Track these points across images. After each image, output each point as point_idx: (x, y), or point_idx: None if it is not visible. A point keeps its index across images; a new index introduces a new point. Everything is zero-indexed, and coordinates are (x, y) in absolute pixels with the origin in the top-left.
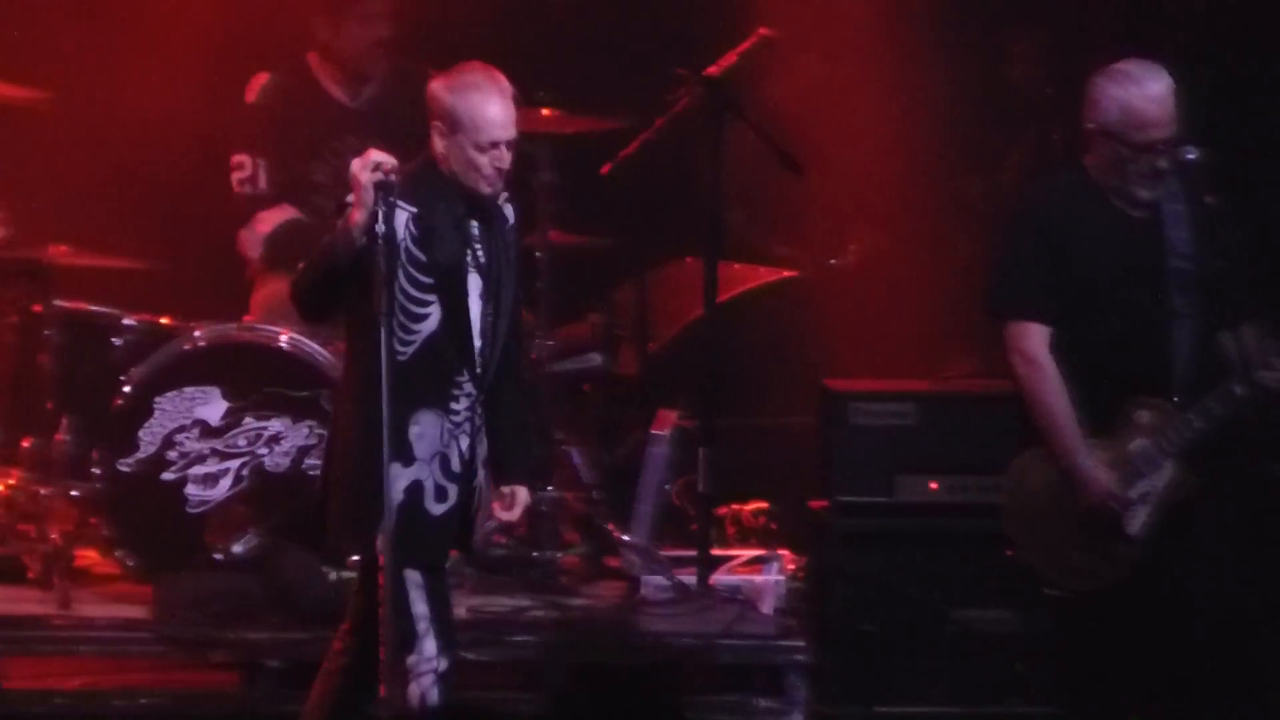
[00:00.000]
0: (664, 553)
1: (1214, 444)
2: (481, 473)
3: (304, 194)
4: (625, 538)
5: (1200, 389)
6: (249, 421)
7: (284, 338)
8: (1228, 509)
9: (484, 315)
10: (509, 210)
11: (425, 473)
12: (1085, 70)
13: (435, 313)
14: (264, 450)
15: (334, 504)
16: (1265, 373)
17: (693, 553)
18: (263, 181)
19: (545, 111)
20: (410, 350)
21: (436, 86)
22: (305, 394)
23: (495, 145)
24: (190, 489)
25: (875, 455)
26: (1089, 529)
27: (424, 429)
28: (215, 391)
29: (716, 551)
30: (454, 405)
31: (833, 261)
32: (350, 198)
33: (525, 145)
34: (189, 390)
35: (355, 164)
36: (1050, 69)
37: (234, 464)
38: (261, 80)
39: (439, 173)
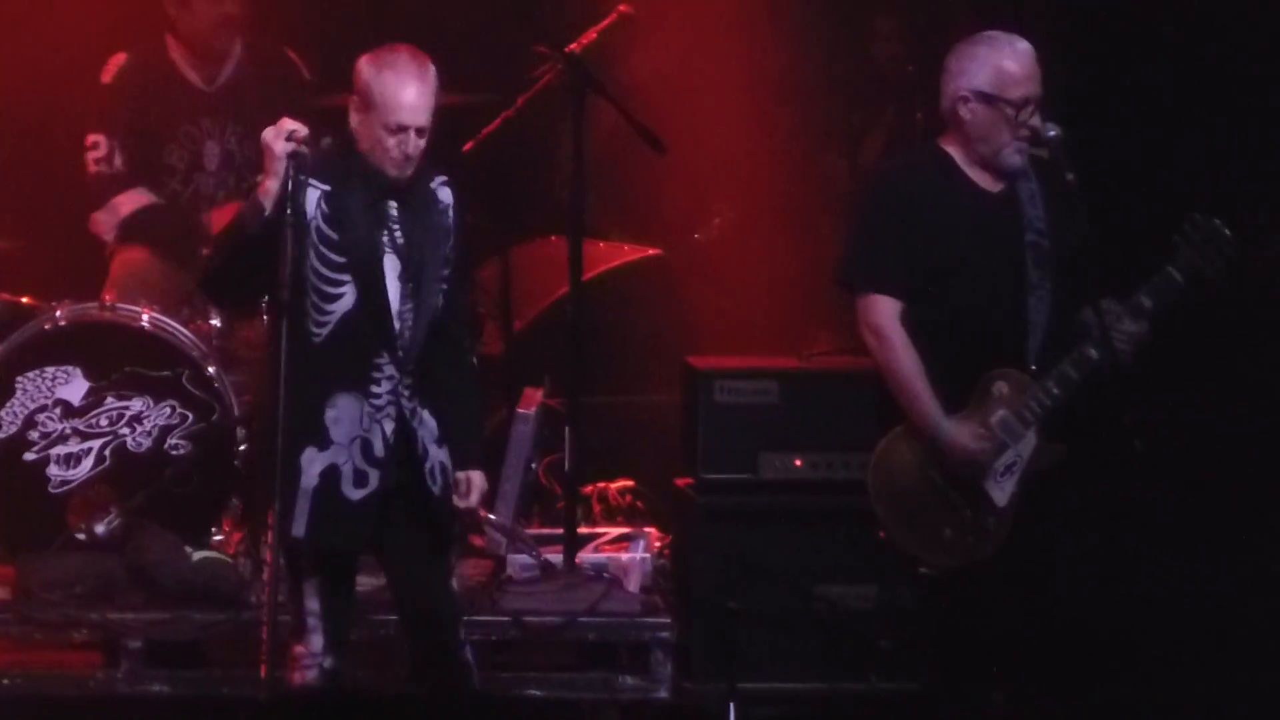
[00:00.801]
0: (530, 531)
1: (1073, 410)
2: (438, 457)
3: (157, 176)
4: (490, 516)
5: (1054, 360)
6: (110, 401)
7: (145, 317)
8: (1087, 475)
9: (403, 297)
10: (444, 193)
11: (343, 456)
12: (946, 50)
13: (349, 293)
14: (126, 430)
15: (254, 487)
16: (1116, 333)
17: (559, 531)
18: (118, 162)
19: None
20: (325, 331)
21: (360, 62)
22: (166, 374)
23: (403, 129)
24: (52, 469)
25: (739, 433)
26: (958, 502)
27: (340, 412)
28: (76, 371)
29: (583, 530)
30: (374, 389)
31: (696, 236)
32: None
33: None
34: (50, 370)
35: (268, 132)
36: (911, 48)
37: (96, 444)
38: (118, 61)
39: (354, 151)
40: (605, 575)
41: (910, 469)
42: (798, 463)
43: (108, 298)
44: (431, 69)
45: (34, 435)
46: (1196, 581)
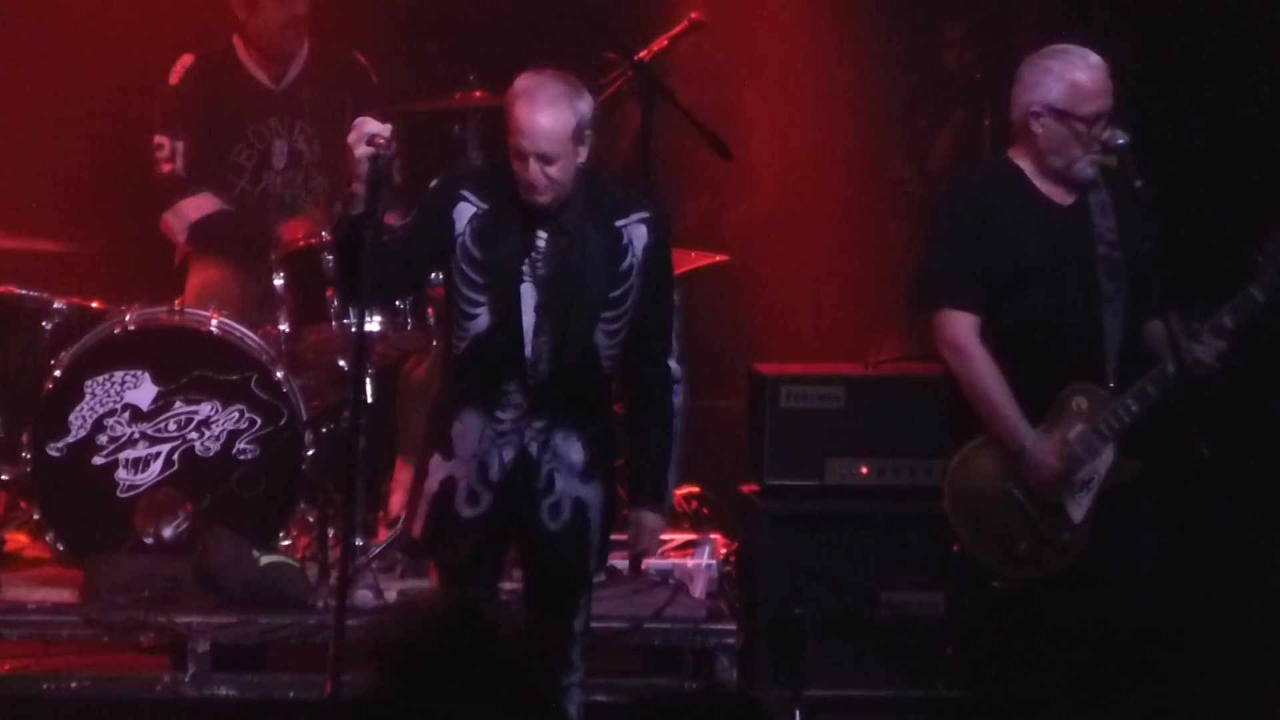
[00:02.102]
0: None
1: (1149, 427)
2: (573, 491)
3: (225, 175)
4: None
5: (1130, 373)
6: (179, 405)
7: (214, 321)
8: (1164, 493)
9: (537, 329)
10: (635, 231)
11: (462, 471)
12: (1013, 55)
13: (484, 315)
14: (194, 434)
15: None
16: (1194, 352)
17: (624, 537)
18: (186, 163)
19: (477, 94)
20: (462, 346)
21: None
22: (234, 378)
23: (523, 155)
24: (120, 473)
25: (805, 439)
26: (1036, 517)
27: (466, 428)
28: (145, 375)
29: None
30: (499, 413)
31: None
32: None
33: (455, 128)
34: (119, 374)
35: (350, 136)
36: (980, 53)
37: (164, 448)
38: (185, 62)
39: (513, 172)
40: (671, 581)
41: (989, 481)
42: (864, 469)
43: (178, 304)
44: (572, 97)
45: (103, 439)
46: (1269, 595)
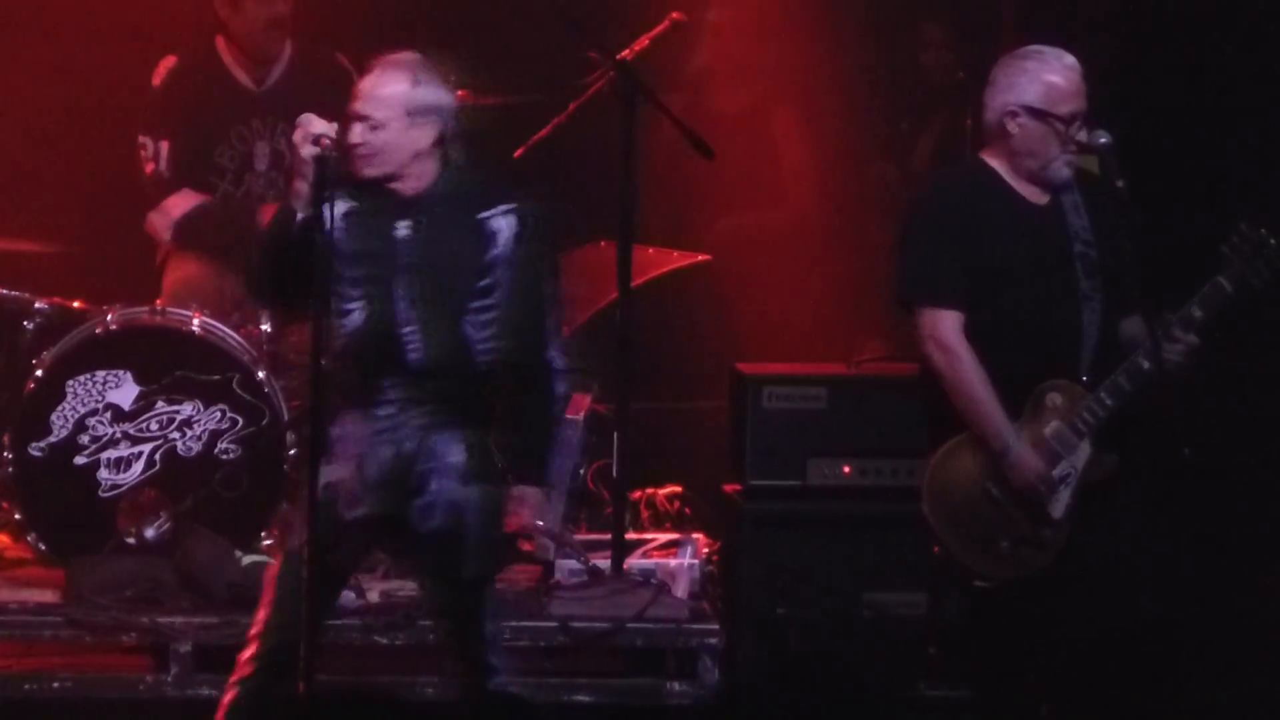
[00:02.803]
0: (578, 537)
1: (1126, 421)
2: (449, 493)
3: (208, 177)
4: (538, 522)
5: (1106, 370)
6: (161, 405)
7: (196, 321)
8: (1141, 487)
9: (408, 321)
10: (502, 222)
11: (342, 474)
12: (995, 56)
13: (359, 310)
14: (176, 434)
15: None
16: (1168, 346)
17: (607, 537)
18: (170, 163)
19: (460, 94)
20: (340, 345)
21: None
22: (217, 378)
23: (353, 119)
24: (102, 473)
25: (787, 439)
26: (1015, 515)
27: (345, 431)
28: (127, 375)
29: (631, 536)
30: (377, 411)
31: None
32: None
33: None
34: (100, 374)
35: (296, 134)
36: (960, 55)
37: (146, 448)
38: (169, 63)
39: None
40: (653, 581)
41: (968, 480)
42: (846, 469)
43: (159, 304)
44: (419, 76)
45: (84, 439)
46: (1252, 593)
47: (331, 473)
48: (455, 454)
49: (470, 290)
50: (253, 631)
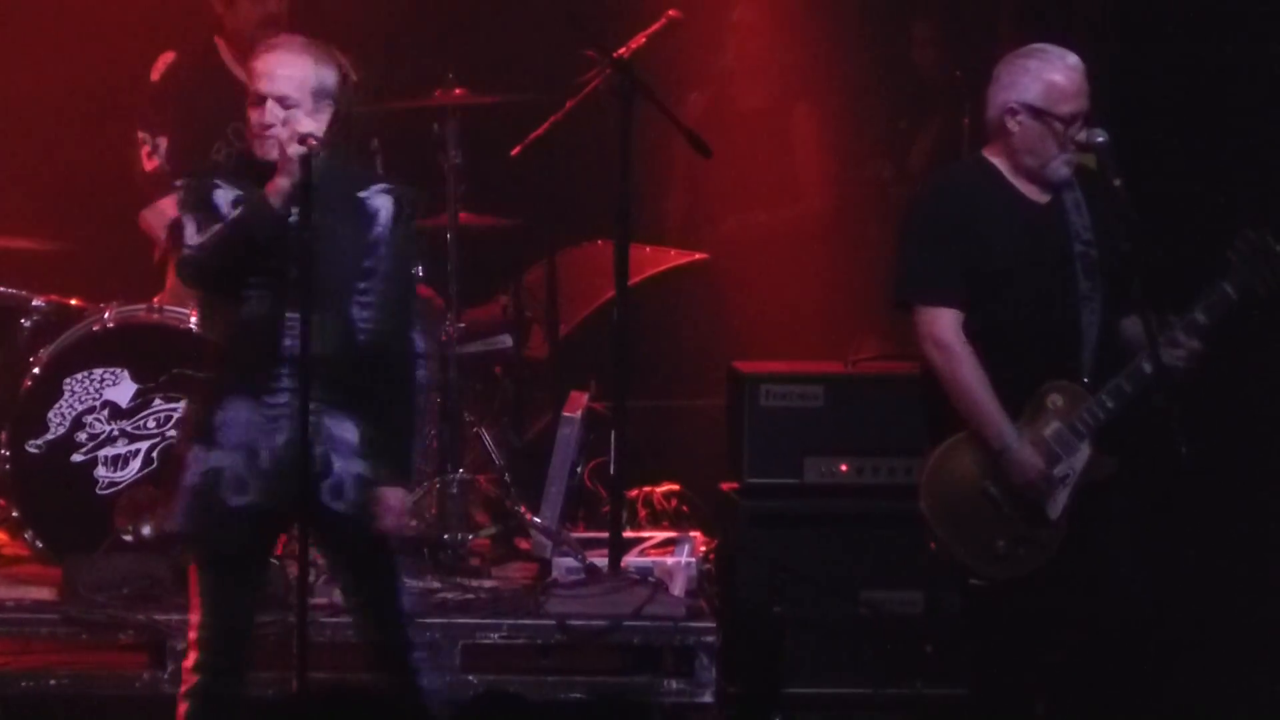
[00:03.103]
0: (576, 535)
1: (1125, 424)
2: (352, 470)
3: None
4: (536, 520)
5: (1106, 371)
6: (158, 403)
7: (193, 319)
8: (1140, 489)
9: (307, 306)
10: (379, 201)
11: (227, 461)
12: (992, 53)
13: (254, 299)
14: (173, 432)
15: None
16: (1171, 350)
17: (604, 535)
18: (162, 160)
19: (457, 91)
20: (233, 334)
21: None
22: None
23: (262, 99)
24: (99, 470)
25: (784, 437)
26: (1013, 515)
27: (231, 416)
28: (124, 373)
29: (628, 534)
30: (269, 399)
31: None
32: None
33: (434, 126)
34: (98, 371)
35: (283, 133)
36: (955, 52)
37: (143, 445)
38: (167, 59)
39: (258, 158)
40: (650, 579)
41: (965, 479)
42: (843, 468)
43: (157, 301)
44: (317, 58)
45: (82, 437)
46: (1247, 590)
47: (214, 459)
48: (349, 432)
49: (358, 270)
50: (191, 637)
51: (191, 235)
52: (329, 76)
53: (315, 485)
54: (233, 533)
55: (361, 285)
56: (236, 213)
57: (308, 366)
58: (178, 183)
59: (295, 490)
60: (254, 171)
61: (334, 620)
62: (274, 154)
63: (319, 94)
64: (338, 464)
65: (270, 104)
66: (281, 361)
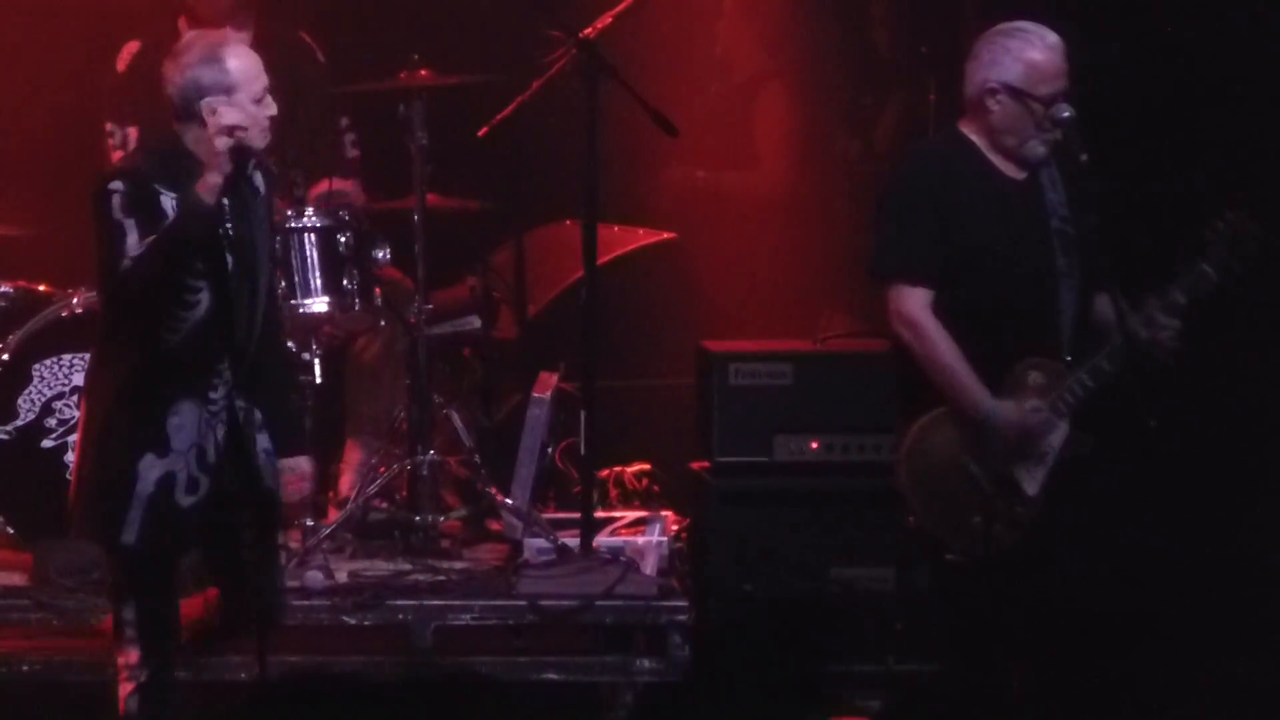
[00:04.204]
0: (547, 516)
1: (1103, 402)
2: (263, 445)
3: None
4: (506, 501)
5: (1084, 347)
6: None
7: None
8: (1115, 466)
9: (240, 296)
10: (258, 179)
11: (180, 464)
12: (956, 29)
13: (205, 299)
14: (72, 436)
15: (84, 494)
16: (1149, 330)
17: (575, 515)
18: (130, 150)
19: (422, 73)
20: (178, 337)
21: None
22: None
23: (259, 97)
24: (69, 456)
25: (754, 416)
26: (990, 491)
27: (183, 419)
28: None
29: (599, 514)
30: (212, 394)
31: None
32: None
33: (400, 108)
34: (67, 357)
35: (210, 124)
36: (914, 31)
37: None
38: (132, 48)
39: (187, 152)
40: (622, 559)
41: (944, 455)
42: (813, 445)
43: None
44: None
45: (51, 422)
46: (1214, 566)
47: (165, 465)
48: (256, 411)
49: (269, 251)
50: (129, 634)
51: (134, 244)
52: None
53: (251, 467)
54: (186, 531)
55: (269, 266)
56: (172, 217)
57: (244, 357)
58: (113, 185)
59: (240, 479)
60: (184, 165)
61: (303, 604)
62: (264, 143)
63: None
64: (259, 441)
65: (269, 99)
66: (223, 357)
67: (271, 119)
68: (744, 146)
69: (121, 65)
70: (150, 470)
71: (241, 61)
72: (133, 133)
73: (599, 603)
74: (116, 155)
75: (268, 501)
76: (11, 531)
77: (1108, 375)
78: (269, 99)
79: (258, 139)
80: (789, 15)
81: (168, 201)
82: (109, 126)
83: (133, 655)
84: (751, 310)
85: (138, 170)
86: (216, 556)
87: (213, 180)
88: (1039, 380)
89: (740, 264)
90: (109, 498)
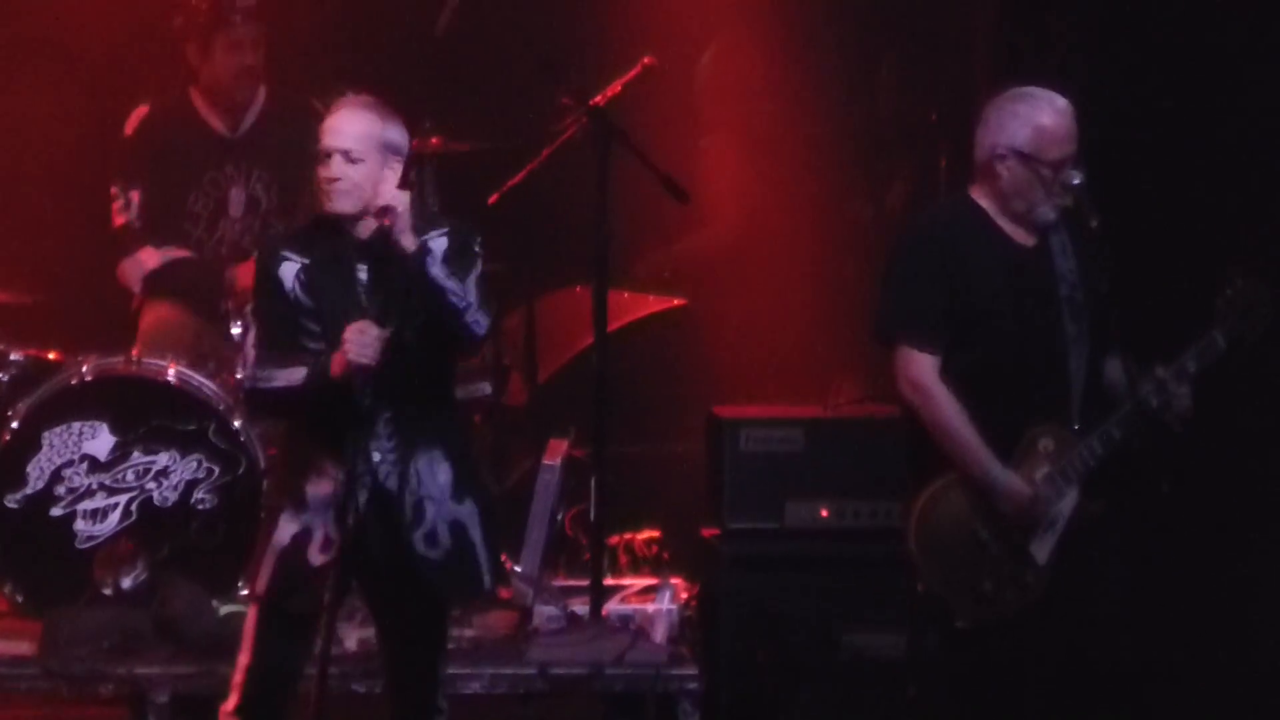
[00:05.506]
0: (557, 583)
1: (1112, 468)
2: (447, 515)
3: (181, 224)
4: (516, 568)
5: (1094, 414)
6: (137, 455)
7: (171, 371)
8: (1125, 533)
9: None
10: (439, 244)
11: (317, 521)
12: (968, 95)
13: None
14: (152, 484)
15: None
16: (1160, 397)
17: (585, 582)
18: (135, 214)
19: (434, 140)
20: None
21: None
22: (193, 427)
23: (329, 154)
24: (78, 524)
25: (765, 482)
26: (1000, 558)
27: (320, 478)
28: (103, 426)
29: (609, 581)
30: (350, 454)
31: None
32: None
33: (411, 174)
34: (76, 424)
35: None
36: (922, 97)
37: (122, 498)
38: (140, 113)
39: (329, 217)
40: (632, 626)
41: (955, 521)
42: (824, 512)
43: (135, 353)
44: (382, 115)
45: (60, 490)
46: (1229, 632)
47: (302, 521)
48: (443, 474)
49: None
50: (236, 679)
51: (249, 359)
52: (394, 133)
53: (407, 537)
54: (315, 590)
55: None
56: (301, 377)
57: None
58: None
59: (388, 546)
60: (326, 224)
61: (311, 672)
62: (342, 206)
63: (383, 146)
64: (430, 511)
65: (337, 159)
66: (367, 415)
67: (331, 179)
68: (756, 212)
69: (129, 129)
70: (288, 524)
71: (332, 120)
72: (135, 196)
73: (609, 670)
74: (119, 220)
75: (428, 580)
76: (20, 600)
77: (1118, 442)
78: (336, 160)
79: (323, 201)
80: (799, 81)
81: (289, 269)
82: (114, 189)
83: (231, 702)
84: (762, 376)
85: (276, 236)
86: (380, 628)
87: (348, 362)
88: (1049, 447)
89: (751, 329)
90: (259, 547)
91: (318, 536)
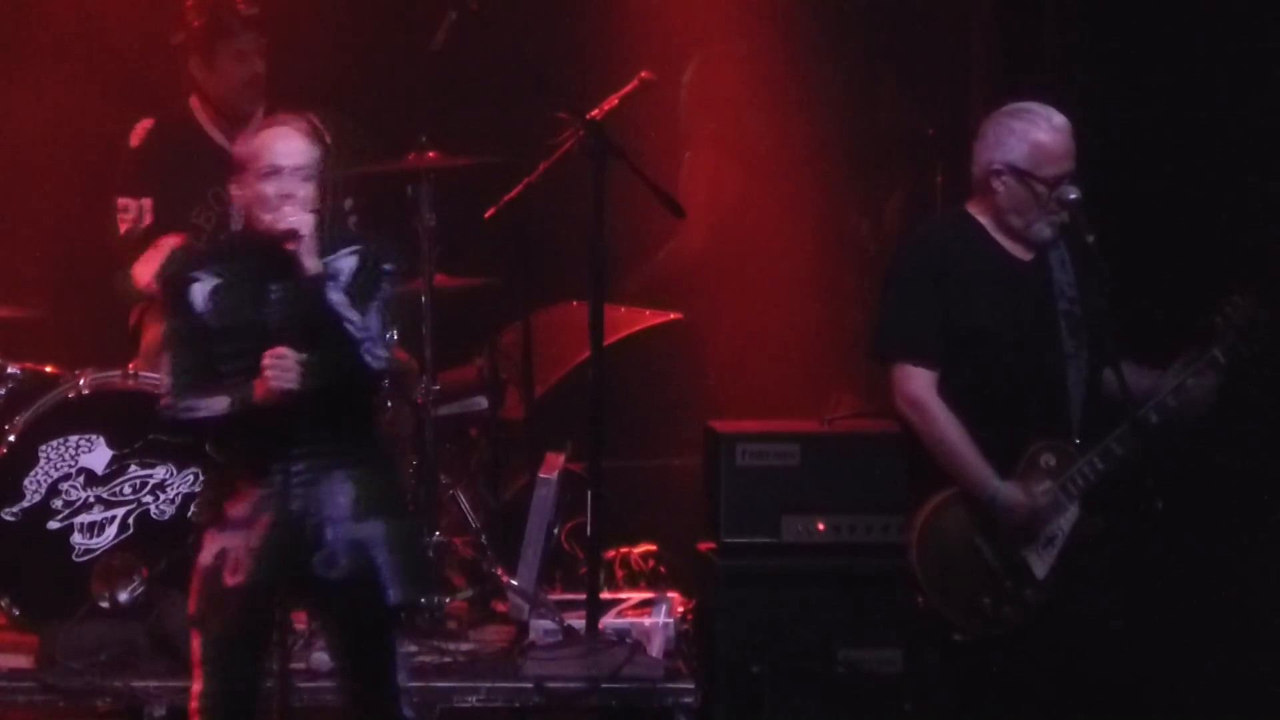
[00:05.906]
0: (553, 597)
1: (1112, 484)
2: (351, 534)
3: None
4: (512, 582)
5: (1094, 429)
6: (134, 469)
7: None
8: (1123, 547)
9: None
10: (347, 263)
11: (234, 542)
12: (965, 111)
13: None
14: (149, 498)
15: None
16: (1159, 415)
17: (582, 596)
18: (149, 221)
19: (430, 155)
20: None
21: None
22: (190, 441)
23: (275, 170)
24: (75, 537)
25: (761, 496)
26: (1000, 572)
27: (240, 498)
28: (100, 439)
29: (606, 595)
30: (264, 477)
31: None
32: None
33: (408, 189)
34: (73, 438)
35: (271, 373)
36: (920, 113)
37: (119, 512)
38: (145, 125)
39: (247, 235)
40: (628, 640)
41: (955, 535)
42: (820, 526)
43: (132, 367)
44: (310, 135)
45: (57, 504)
46: (1226, 647)
47: (222, 541)
48: (348, 491)
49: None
50: (192, 707)
51: (165, 386)
52: (320, 153)
53: (307, 556)
54: (227, 612)
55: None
56: (225, 406)
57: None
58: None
59: (296, 566)
60: (241, 242)
61: (309, 685)
62: (286, 223)
63: (320, 167)
64: (330, 533)
65: (283, 174)
66: (277, 436)
67: (291, 199)
68: (751, 226)
69: (135, 141)
70: (211, 542)
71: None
72: (148, 203)
73: (605, 685)
74: (124, 227)
75: (337, 605)
76: (17, 613)
77: (1118, 458)
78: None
79: (280, 213)
80: (796, 95)
81: (200, 290)
82: (122, 202)
83: None
84: (759, 390)
85: (187, 257)
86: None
87: (270, 390)
88: (1050, 462)
89: (748, 344)
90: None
91: (230, 558)
